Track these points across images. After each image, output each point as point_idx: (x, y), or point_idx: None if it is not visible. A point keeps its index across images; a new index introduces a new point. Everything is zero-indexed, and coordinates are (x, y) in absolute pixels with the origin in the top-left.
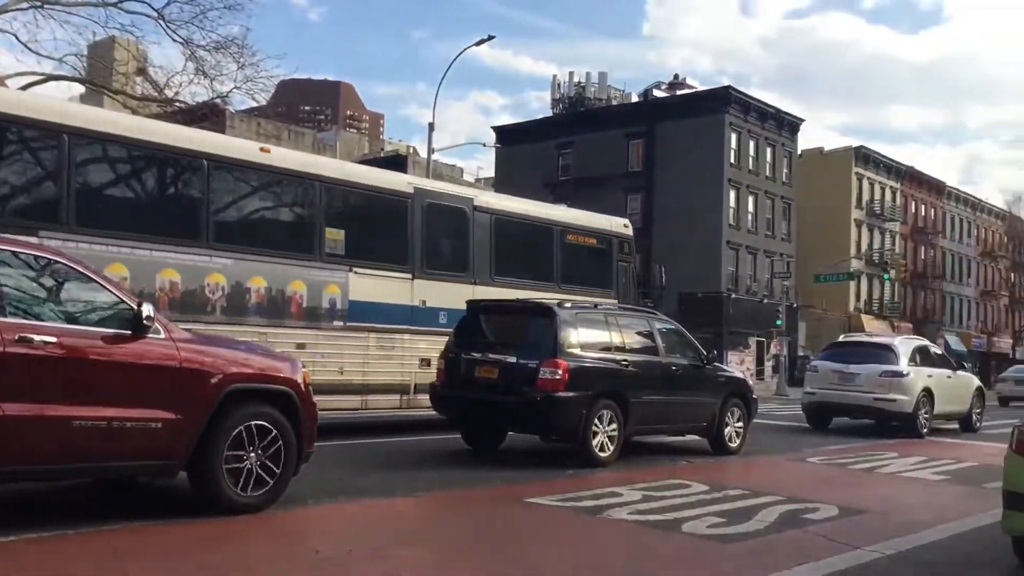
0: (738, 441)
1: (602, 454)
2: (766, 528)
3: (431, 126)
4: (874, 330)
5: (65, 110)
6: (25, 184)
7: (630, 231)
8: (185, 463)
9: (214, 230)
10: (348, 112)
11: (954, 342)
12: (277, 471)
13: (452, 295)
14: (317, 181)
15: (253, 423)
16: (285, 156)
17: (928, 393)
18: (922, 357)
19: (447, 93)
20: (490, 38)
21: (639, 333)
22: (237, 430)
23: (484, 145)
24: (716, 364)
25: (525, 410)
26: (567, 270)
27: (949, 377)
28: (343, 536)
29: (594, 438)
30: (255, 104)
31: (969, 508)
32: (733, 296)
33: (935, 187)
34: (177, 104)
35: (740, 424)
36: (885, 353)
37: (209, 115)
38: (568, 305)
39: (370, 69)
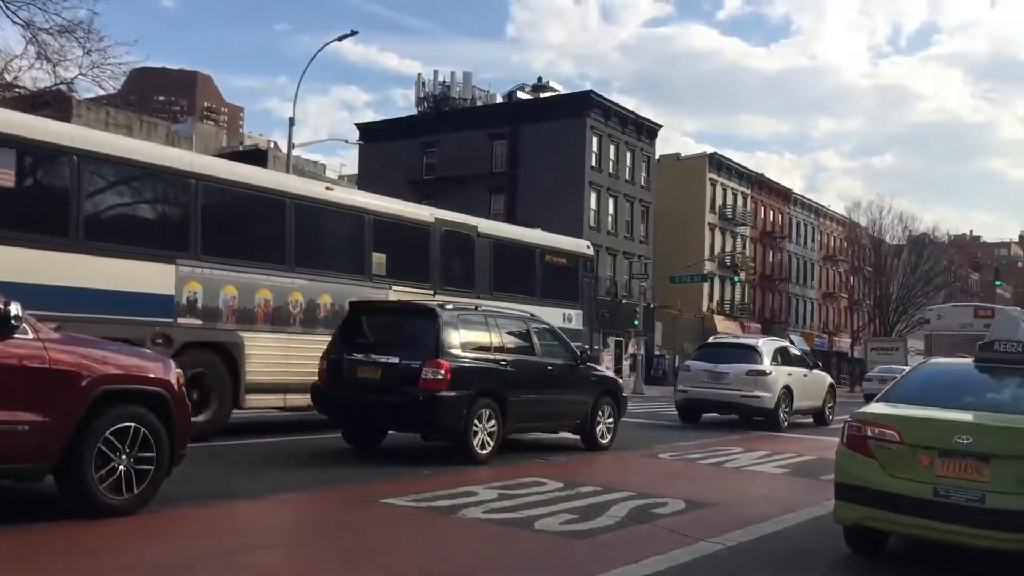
0: (609, 437)
1: (482, 451)
2: (616, 523)
3: (291, 121)
4: (725, 329)
5: (194, 160)
6: (165, 222)
7: (591, 252)
8: (54, 466)
9: (295, 257)
10: (205, 104)
11: (798, 341)
12: (149, 473)
13: None
14: (366, 214)
15: (124, 425)
16: (343, 195)
17: (788, 390)
18: (783, 357)
19: (310, 88)
20: (353, 33)
21: (517, 334)
22: (107, 432)
23: (347, 142)
24: (589, 364)
25: (408, 409)
26: (545, 285)
27: (806, 375)
28: (198, 541)
29: (474, 436)
30: (103, 92)
31: (806, 500)
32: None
33: (782, 194)
34: (17, 90)
35: (611, 421)
36: (750, 354)
37: (52, 102)
38: (450, 306)
39: (229, 60)
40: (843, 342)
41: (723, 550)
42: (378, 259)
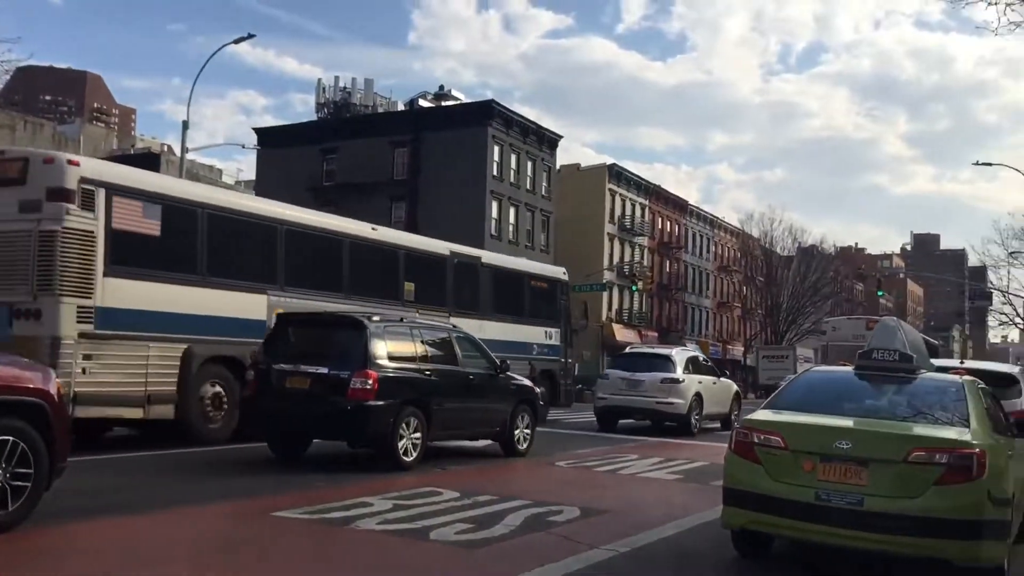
0: (526, 444)
1: (407, 458)
2: (511, 532)
3: (185, 124)
4: (624, 339)
5: (284, 211)
6: (259, 260)
7: (567, 277)
8: None
9: (349, 285)
10: (95, 104)
11: (694, 349)
12: (25, 490)
13: (471, 327)
14: (400, 250)
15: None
16: (385, 234)
17: (699, 397)
18: (694, 366)
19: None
20: (250, 36)
21: (440, 344)
22: None
23: (244, 147)
24: (508, 373)
25: (337, 419)
26: (532, 306)
27: (715, 383)
28: (72, 560)
29: (400, 443)
30: None
31: (696, 505)
32: None
33: (679, 205)
34: None
35: (528, 428)
36: (665, 363)
37: None
38: (376, 318)
39: (121, 60)
40: (736, 350)
41: (616, 557)
42: (408, 287)
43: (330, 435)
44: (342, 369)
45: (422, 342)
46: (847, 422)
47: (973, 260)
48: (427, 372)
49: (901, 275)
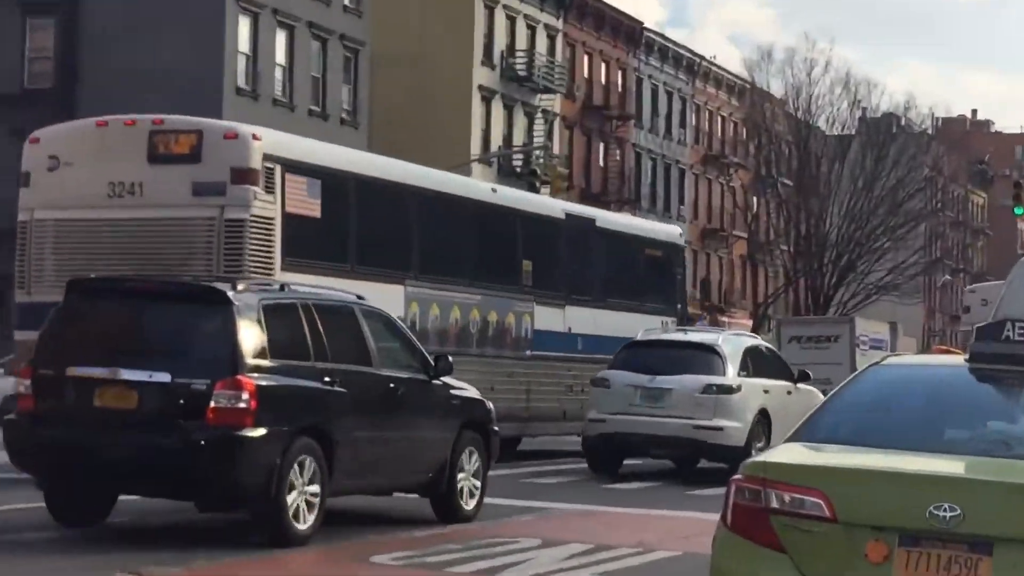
0: (475, 500)
1: (299, 525)
2: None
3: None
4: None
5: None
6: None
7: (683, 240)
8: None
9: (471, 269)
10: None
11: (749, 334)
12: None
13: (583, 322)
14: (517, 216)
15: None
16: (505, 194)
17: (765, 417)
18: (755, 362)
19: None
20: None
21: (342, 329)
22: None
23: None
24: (446, 379)
25: (185, 460)
26: (648, 288)
27: (791, 392)
28: None
29: (290, 500)
30: None
31: None
32: None
33: (625, 32)
34: None
35: (478, 475)
36: (705, 357)
37: None
38: (242, 286)
39: None
40: (739, 322)
41: None
42: (526, 266)
43: (169, 487)
44: (195, 376)
45: (318, 327)
46: (952, 466)
47: None
48: (328, 379)
49: None
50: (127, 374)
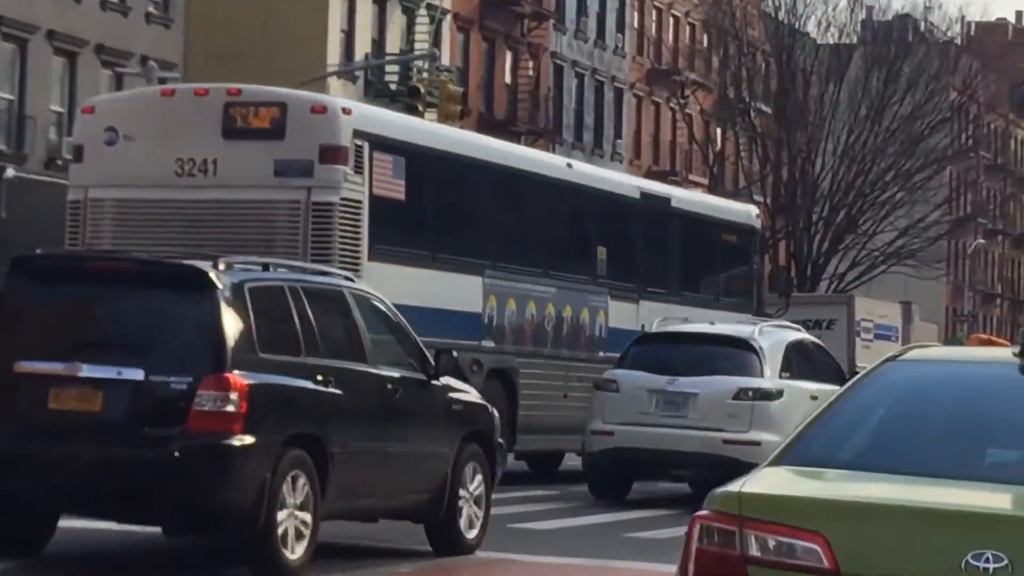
0: (477, 527)
1: (289, 555)
2: None
3: None
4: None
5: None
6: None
7: (759, 223)
8: None
9: (548, 257)
10: None
11: (793, 325)
12: None
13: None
14: (593, 194)
15: None
16: (581, 170)
17: None
18: (800, 361)
19: None
20: None
21: (335, 319)
22: None
23: None
24: (446, 380)
25: (160, 474)
26: (725, 279)
27: None
28: None
29: (280, 523)
30: None
31: None
32: None
33: None
34: None
35: (481, 500)
36: (739, 354)
37: None
38: (222, 265)
39: None
40: None
41: None
42: (601, 254)
43: (138, 507)
44: (173, 373)
45: (307, 314)
46: (997, 500)
47: None
48: (320, 378)
49: None
50: (90, 370)
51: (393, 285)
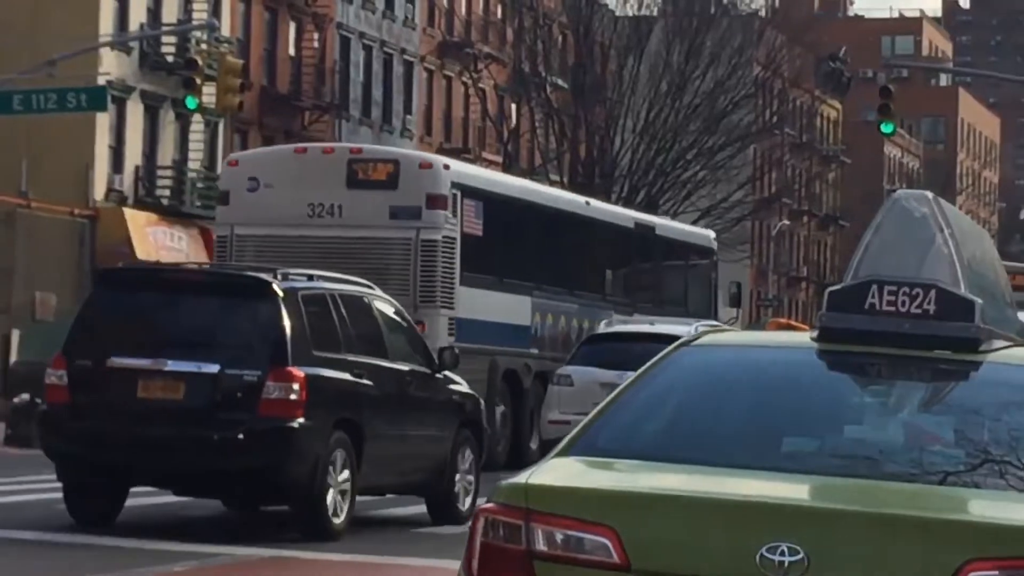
0: (469, 499)
1: (336, 520)
2: None
3: None
4: (161, 247)
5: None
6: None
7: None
8: None
9: (572, 280)
10: None
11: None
12: None
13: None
14: (604, 226)
15: None
16: (598, 206)
17: None
18: None
19: None
20: None
21: (365, 322)
22: None
23: None
24: (447, 373)
25: (237, 452)
26: (694, 297)
27: None
28: None
29: (328, 494)
30: None
31: None
32: None
33: None
34: None
35: (472, 473)
36: None
37: None
38: (281, 276)
39: None
40: None
41: None
42: (609, 277)
43: (215, 481)
44: (245, 367)
45: (344, 317)
46: (793, 491)
47: None
48: (358, 371)
49: (944, 79)
50: (173, 365)
51: (475, 304)
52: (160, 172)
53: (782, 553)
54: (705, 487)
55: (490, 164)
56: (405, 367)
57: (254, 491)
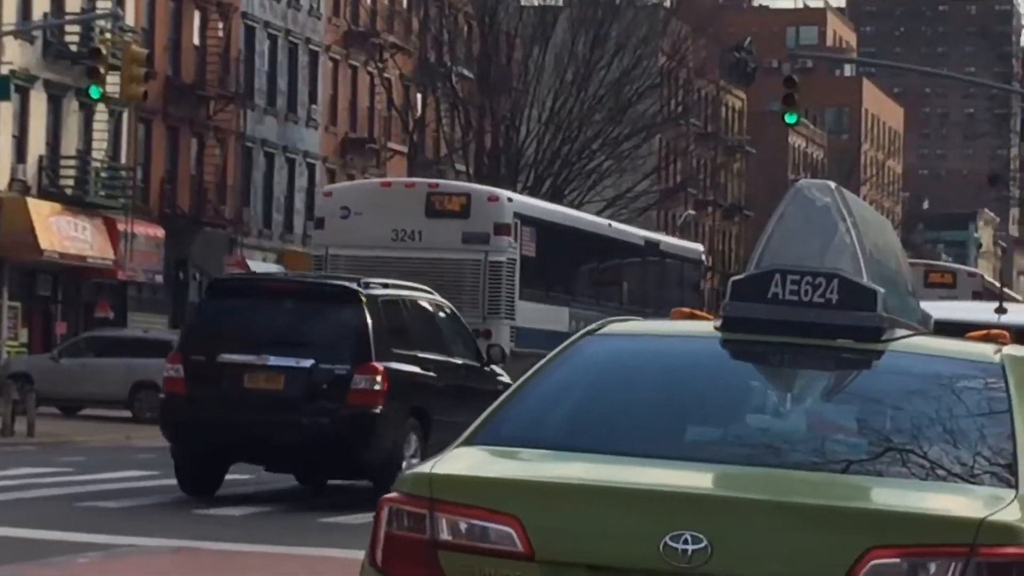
0: None
1: None
2: None
3: None
4: (61, 242)
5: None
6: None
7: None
8: None
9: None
10: None
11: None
12: None
13: None
14: (620, 244)
15: None
16: (619, 228)
17: None
18: None
19: None
20: None
21: (428, 322)
22: None
23: None
24: (494, 367)
25: (329, 435)
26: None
27: None
28: None
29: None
30: None
31: None
32: None
33: None
34: None
35: None
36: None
37: None
38: (377, 282)
39: None
40: None
41: None
42: (626, 289)
43: (311, 461)
44: (336, 362)
45: (414, 318)
46: (696, 479)
47: None
48: (425, 365)
49: (849, 70)
50: (274, 360)
51: (529, 315)
52: (64, 162)
53: (685, 541)
54: (608, 476)
55: (395, 154)
56: (460, 361)
57: (340, 468)
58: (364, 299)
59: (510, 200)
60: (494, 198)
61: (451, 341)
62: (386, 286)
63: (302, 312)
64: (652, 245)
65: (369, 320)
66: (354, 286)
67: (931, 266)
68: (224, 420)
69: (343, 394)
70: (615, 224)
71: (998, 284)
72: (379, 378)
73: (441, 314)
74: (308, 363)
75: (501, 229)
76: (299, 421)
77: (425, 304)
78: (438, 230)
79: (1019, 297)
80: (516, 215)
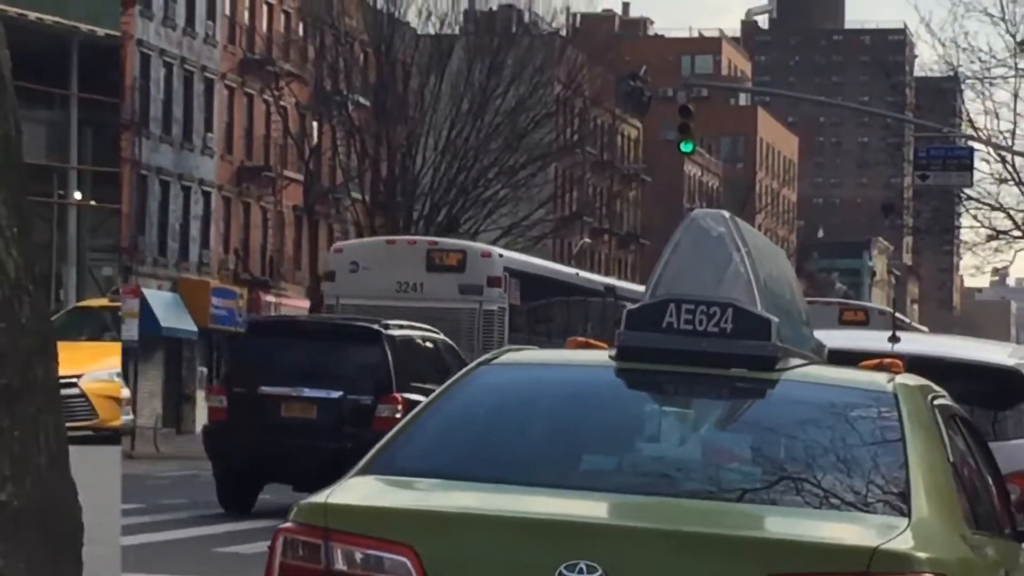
0: None
1: None
2: None
3: None
4: None
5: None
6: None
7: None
8: None
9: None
10: None
11: (166, 301)
12: None
13: None
14: (588, 294)
15: None
16: (587, 276)
17: None
18: None
19: None
20: None
21: (436, 357)
22: None
23: None
24: None
25: (356, 458)
26: None
27: None
28: None
29: None
30: None
31: None
32: None
33: None
34: None
35: None
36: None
37: None
38: (394, 324)
39: None
40: (292, 303)
41: None
42: None
43: (333, 481)
44: (361, 393)
45: (426, 354)
46: (590, 508)
47: (928, 56)
48: None
49: (743, 99)
50: (308, 391)
51: (516, 360)
52: None
53: (580, 571)
54: (503, 505)
55: (291, 182)
56: None
57: None
58: (385, 338)
59: (500, 256)
60: (487, 254)
61: (454, 372)
62: (402, 327)
63: (331, 349)
64: (610, 289)
65: (390, 356)
66: (376, 327)
67: (845, 304)
68: (264, 444)
69: (368, 421)
70: (581, 273)
71: (907, 319)
72: (400, 407)
73: (446, 350)
74: (337, 394)
75: (493, 282)
76: (329, 446)
77: (434, 343)
78: (437, 283)
79: (919, 325)
80: (505, 269)
